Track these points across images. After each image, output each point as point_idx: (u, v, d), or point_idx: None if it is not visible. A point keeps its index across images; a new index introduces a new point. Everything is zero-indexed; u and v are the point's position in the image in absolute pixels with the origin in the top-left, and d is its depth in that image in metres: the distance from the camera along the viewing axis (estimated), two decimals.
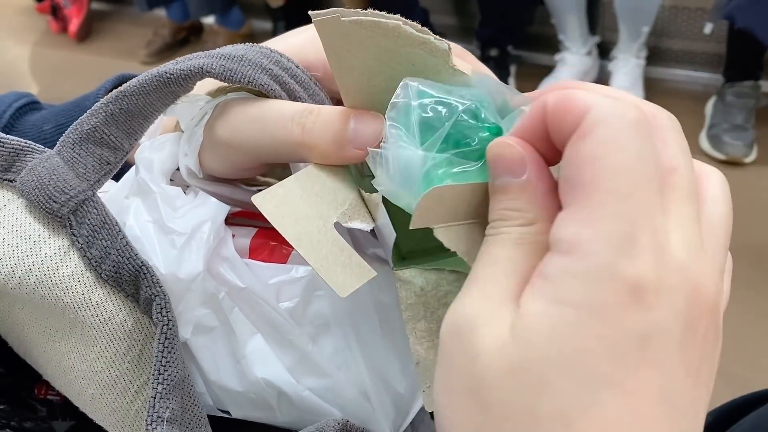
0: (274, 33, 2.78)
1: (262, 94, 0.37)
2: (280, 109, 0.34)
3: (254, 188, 0.42)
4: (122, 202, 0.37)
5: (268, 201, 0.31)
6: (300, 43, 0.40)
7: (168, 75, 0.36)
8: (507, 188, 0.26)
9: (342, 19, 0.29)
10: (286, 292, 0.36)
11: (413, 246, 0.36)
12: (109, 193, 0.38)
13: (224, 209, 0.37)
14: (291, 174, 0.34)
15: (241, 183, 0.42)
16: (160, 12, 2.97)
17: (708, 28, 2.12)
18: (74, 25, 3.14)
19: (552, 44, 2.42)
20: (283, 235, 0.30)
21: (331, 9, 0.30)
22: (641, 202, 0.22)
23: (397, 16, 0.30)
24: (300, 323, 0.36)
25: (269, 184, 0.43)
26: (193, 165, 0.38)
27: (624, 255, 0.22)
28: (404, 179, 0.29)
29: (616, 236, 0.22)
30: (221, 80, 0.36)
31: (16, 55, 3.15)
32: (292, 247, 0.38)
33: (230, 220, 0.39)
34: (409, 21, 0.30)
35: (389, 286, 0.36)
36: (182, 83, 0.36)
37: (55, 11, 3.18)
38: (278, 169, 0.43)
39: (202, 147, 0.37)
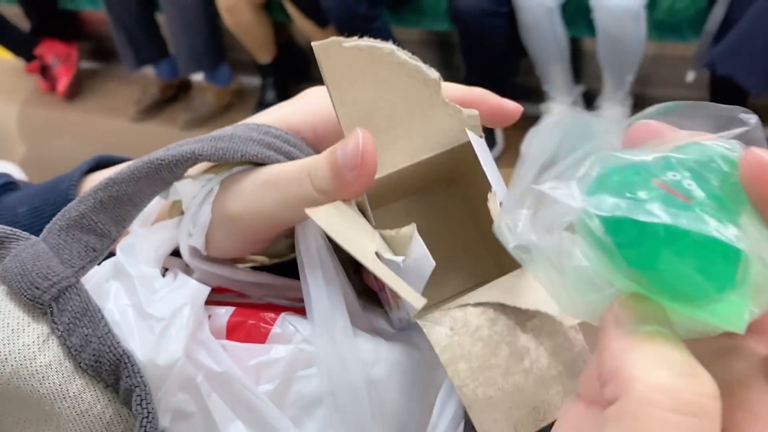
0: (263, 89, 2.80)
1: (260, 164, 0.37)
2: (289, 168, 0.35)
3: (249, 266, 0.42)
4: (103, 286, 0.37)
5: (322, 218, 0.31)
6: (285, 113, 0.40)
7: (159, 162, 0.36)
8: None
9: (342, 44, 0.32)
10: (266, 373, 0.35)
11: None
12: (93, 279, 0.37)
13: (204, 292, 0.36)
14: (293, 247, 0.35)
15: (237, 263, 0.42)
16: (149, 70, 2.99)
17: (690, 76, 2.15)
18: (63, 83, 3.15)
19: (537, 95, 2.44)
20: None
21: (330, 38, 0.32)
22: None
23: (390, 42, 0.33)
24: (281, 406, 0.35)
25: (263, 263, 0.43)
26: (199, 244, 0.38)
27: None
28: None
29: None
30: (214, 161, 0.36)
31: (4, 115, 3.16)
32: (272, 325, 0.37)
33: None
34: (400, 48, 0.32)
35: (381, 359, 0.35)
36: (173, 170, 0.36)
37: (45, 71, 3.19)
38: (280, 245, 0.43)
39: (211, 225, 0.37)
